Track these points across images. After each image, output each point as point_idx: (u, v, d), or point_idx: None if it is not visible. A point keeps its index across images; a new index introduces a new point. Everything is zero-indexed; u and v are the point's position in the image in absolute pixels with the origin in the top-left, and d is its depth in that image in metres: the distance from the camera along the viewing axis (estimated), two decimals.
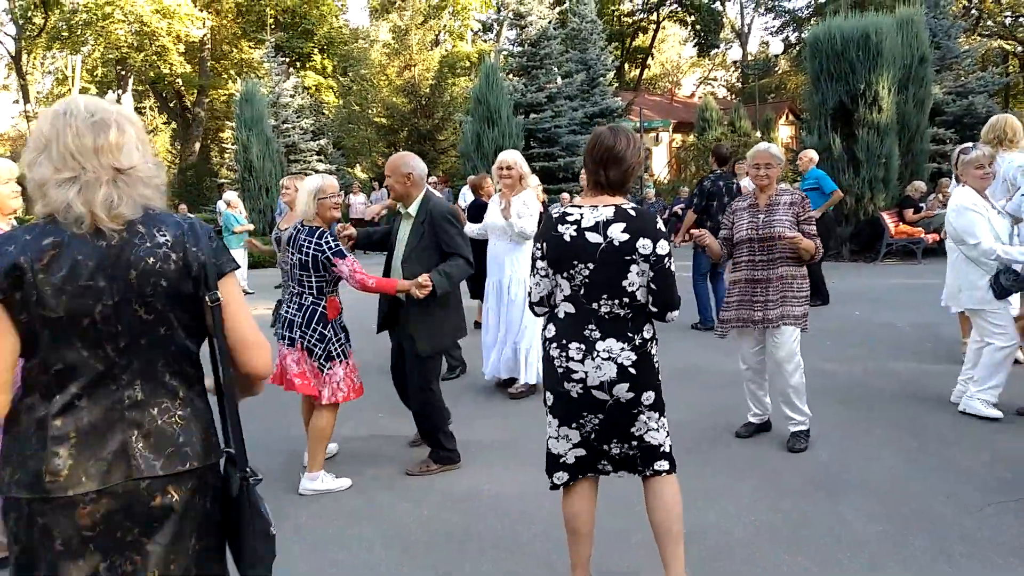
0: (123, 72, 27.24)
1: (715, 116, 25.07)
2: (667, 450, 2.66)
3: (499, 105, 16.49)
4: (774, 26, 36.47)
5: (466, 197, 9.59)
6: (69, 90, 25.71)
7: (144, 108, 31.65)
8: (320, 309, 3.89)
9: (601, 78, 20.64)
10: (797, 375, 4.23)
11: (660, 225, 2.50)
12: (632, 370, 2.50)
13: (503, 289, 5.42)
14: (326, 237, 3.86)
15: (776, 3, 35.19)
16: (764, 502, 3.58)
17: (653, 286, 2.48)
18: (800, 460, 4.10)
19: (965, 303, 4.70)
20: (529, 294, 2.74)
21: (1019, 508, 3.40)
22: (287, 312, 3.97)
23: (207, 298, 1.62)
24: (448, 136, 24.84)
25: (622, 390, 2.51)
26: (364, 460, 4.39)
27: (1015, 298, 4.74)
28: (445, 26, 36.63)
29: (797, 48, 32.94)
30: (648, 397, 2.55)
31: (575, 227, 2.52)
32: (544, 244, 2.60)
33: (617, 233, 2.46)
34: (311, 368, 3.90)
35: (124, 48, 25.50)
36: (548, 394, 2.67)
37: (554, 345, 2.59)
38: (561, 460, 2.67)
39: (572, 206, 2.63)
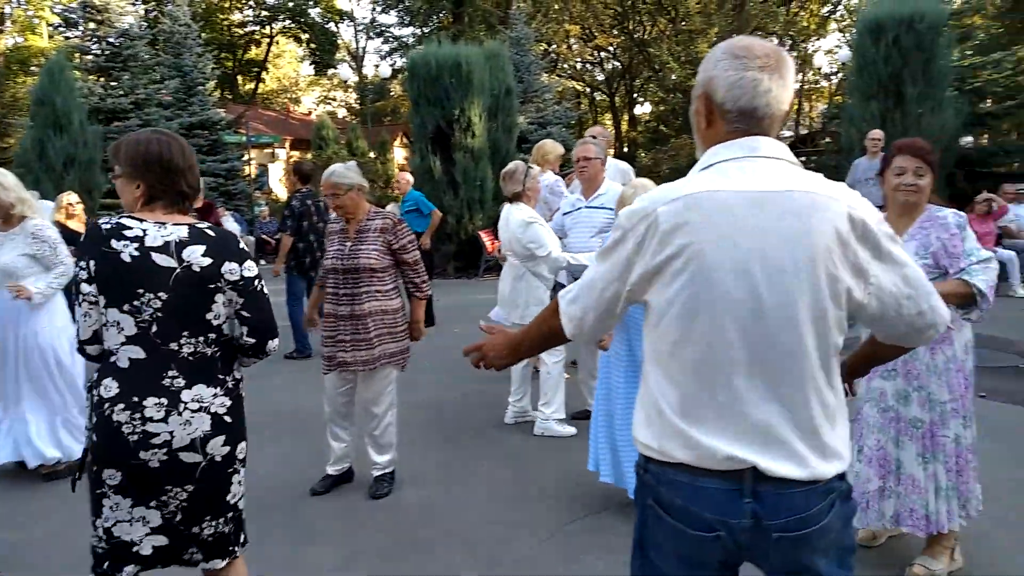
0: None
1: (332, 135, 24.87)
2: (244, 517, 2.25)
3: (69, 109, 13.91)
4: (384, 50, 37.81)
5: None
6: None
7: None
8: None
9: (200, 87, 18.85)
10: (389, 415, 3.89)
11: (242, 244, 2.20)
12: (228, 418, 2.12)
13: (18, 351, 4.14)
14: None
15: (384, 28, 36.51)
16: (343, 573, 3.10)
17: (246, 313, 2.14)
18: (389, 511, 3.73)
19: (528, 318, 4.76)
20: (77, 332, 2.04)
21: (598, 525, 3.45)
22: None
23: None
24: (14, 144, 20.60)
25: (217, 446, 2.09)
26: None
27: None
28: (10, 15, 30.64)
29: (404, 73, 34.51)
30: (242, 450, 2.20)
31: (137, 245, 2.01)
32: (91, 263, 2.00)
33: (196, 257, 2.06)
34: None
35: None
36: (111, 471, 2.02)
37: (120, 406, 1.99)
38: (134, 550, 2.01)
39: (130, 218, 2.07)
